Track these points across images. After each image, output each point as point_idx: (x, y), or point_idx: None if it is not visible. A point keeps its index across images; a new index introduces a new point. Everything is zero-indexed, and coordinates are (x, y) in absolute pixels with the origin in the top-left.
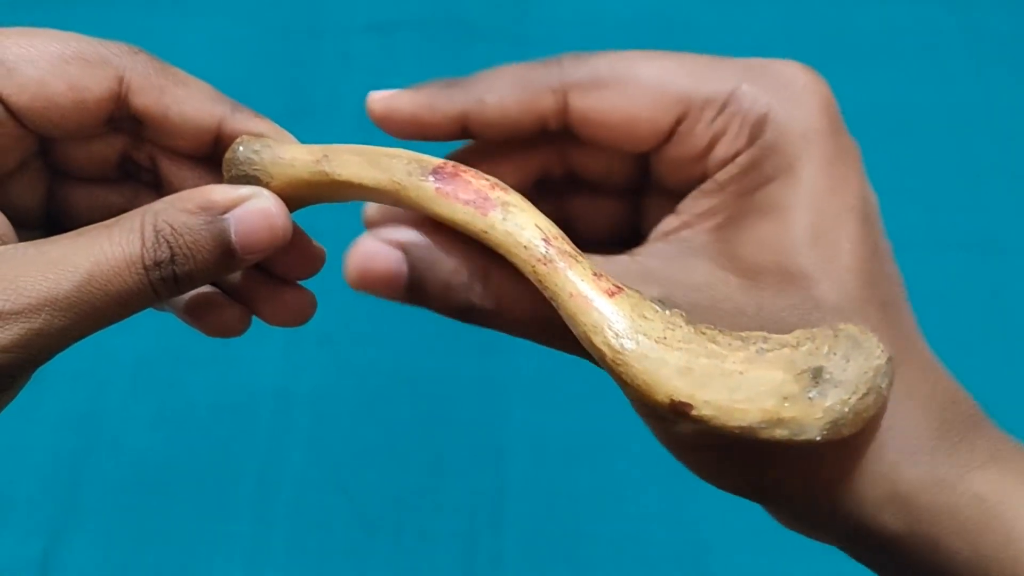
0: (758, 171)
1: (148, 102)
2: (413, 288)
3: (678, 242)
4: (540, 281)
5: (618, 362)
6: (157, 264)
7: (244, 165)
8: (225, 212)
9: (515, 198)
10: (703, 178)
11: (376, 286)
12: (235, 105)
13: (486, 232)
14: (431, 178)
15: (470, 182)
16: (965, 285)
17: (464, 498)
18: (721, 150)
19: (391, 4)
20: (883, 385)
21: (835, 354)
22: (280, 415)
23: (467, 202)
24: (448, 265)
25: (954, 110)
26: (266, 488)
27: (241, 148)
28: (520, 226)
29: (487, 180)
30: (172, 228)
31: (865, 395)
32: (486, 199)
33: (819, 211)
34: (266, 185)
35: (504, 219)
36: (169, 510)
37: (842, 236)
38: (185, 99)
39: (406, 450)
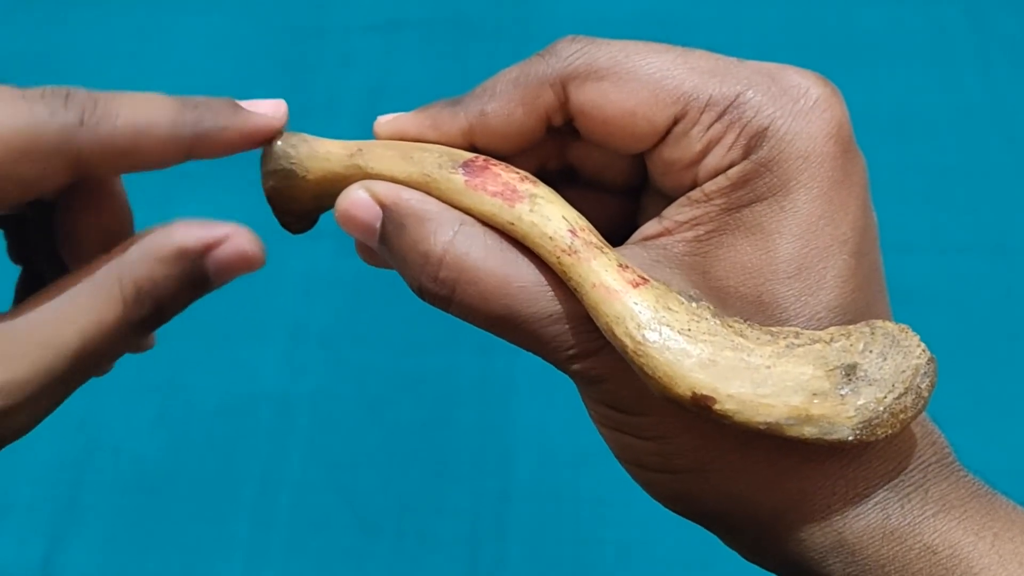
0: (749, 187)
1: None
2: (384, 241)
3: (655, 249)
4: (564, 272)
5: (639, 353)
6: (142, 321)
7: (281, 159)
8: (202, 255)
9: (544, 191)
10: (693, 185)
11: (353, 232)
12: None
13: (512, 224)
14: (461, 171)
15: (499, 175)
16: (973, 287)
17: (467, 502)
18: (713, 159)
19: (392, 4)
20: (923, 386)
21: (871, 351)
22: (281, 417)
23: (495, 194)
24: (414, 235)
25: (962, 111)
26: (267, 491)
27: (279, 143)
28: (547, 217)
29: (517, 173)
30: (153, 282)
31: (902, 395)
32: (514, 191)
33: (807, 241)
34: (303, 178)
35: (531, 210)
36: (170, 513)
37: (828, 270)
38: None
39: (408, 453)
